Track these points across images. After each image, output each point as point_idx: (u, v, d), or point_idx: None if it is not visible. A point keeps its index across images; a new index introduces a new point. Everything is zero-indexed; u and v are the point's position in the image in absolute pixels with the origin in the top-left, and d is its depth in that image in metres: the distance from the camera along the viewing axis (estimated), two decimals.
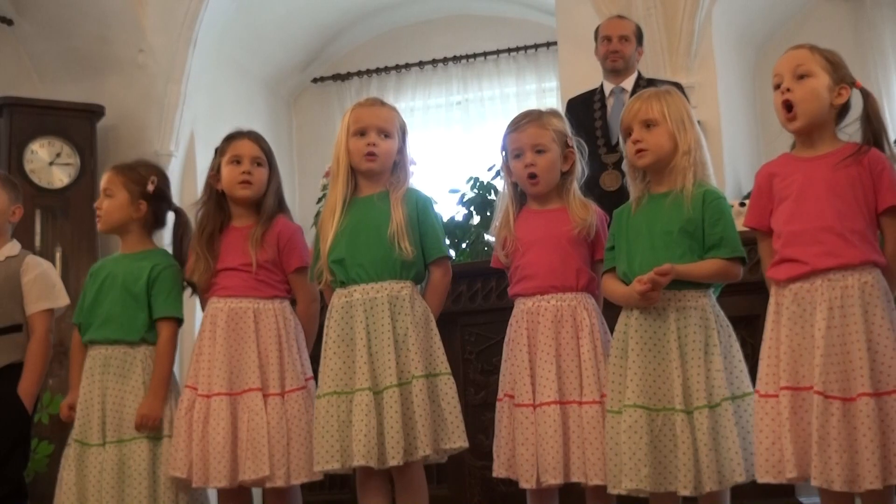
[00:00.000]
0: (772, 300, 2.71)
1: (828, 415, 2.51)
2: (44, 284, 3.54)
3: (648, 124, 2.87)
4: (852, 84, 2.73)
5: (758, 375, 2.69)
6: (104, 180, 3.38)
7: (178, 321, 3.34)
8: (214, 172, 3.31)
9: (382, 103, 3.19)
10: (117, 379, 3.22)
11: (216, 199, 3.30)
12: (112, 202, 3.35)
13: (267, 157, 3.29)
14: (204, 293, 3.28)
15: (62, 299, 3.56)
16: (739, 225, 2.93)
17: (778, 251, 2.70)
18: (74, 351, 3.38)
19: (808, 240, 2.63)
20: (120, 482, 3.14)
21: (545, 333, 2.92)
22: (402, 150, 3.15)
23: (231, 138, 3.31)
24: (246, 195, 3.24)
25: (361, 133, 3.08)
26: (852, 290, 2.57)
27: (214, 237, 3.25)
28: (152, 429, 3.18)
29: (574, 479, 2.85)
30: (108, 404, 3.21)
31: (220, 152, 3.31)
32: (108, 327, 3.27)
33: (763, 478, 2.61)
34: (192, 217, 3.36)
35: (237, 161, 3.24)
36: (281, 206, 3.31)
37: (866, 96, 2.73)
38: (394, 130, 3.11)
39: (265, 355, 3.14)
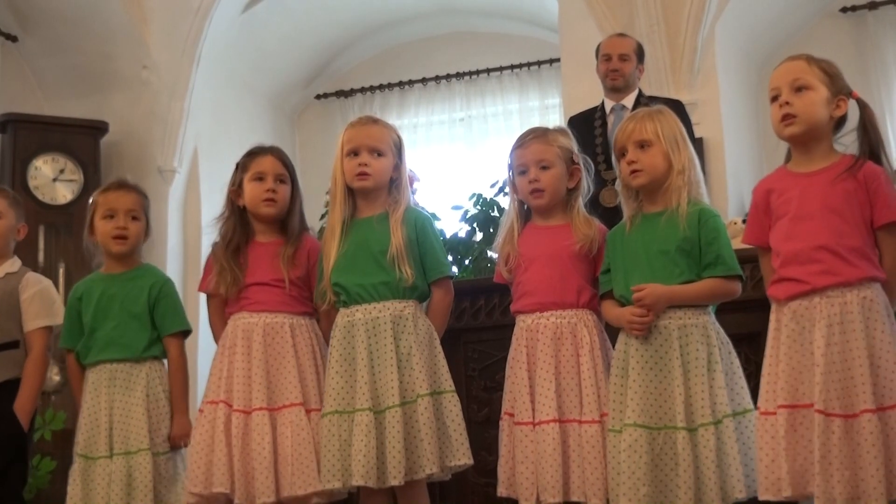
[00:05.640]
0: (772, 318, 2.69)
1: (829, 433, 2.49)
2: (42, 301, 3.51)
3: (643, 145, 2.85)
4: (849, 94, 2.70)
5: (759, 393, 2.68)
6: (127, 201, 3.34)
7: (186, 332, 3.35)
8: (236, 188, 3.27)
9: (375, 121, 3.17)
10: (124, 392, 3.22)
11: (239, 213, 3.27)
12: (139, 226, 3.36)
13: (289, 174, 3.26)
14: (227, 307, 3.22)
15: (60, 316, 3.51)
16: (741, 242, 2.92)
17: (777, 270, 2.69)
18: (75, 378, 3.36)
19: (805, 259, 2.61)
20: (128, 494, 3.13)
21: (544, 351, 2.91)
22: (398, 167, 3.13)
23: (253, 154, 3.27)
24: (270, 213, 3.22)
25: (354, 153, 3.08)
26: (852, 305, 2.55)
27: (240, 251, 3.22)
28: (185, 444, 3.19)
29: (574, 499, 2.84)
30: (116, 416, 3.20)
31: (241, 168, 3.27)
32: (111, 349, 3.26)
33: (763, 495, 2.60)
34: (216, 231, 3.31)
35: (260, 178, 3.21)
36: (303, 223, 3.28)
37: (863, 107, 2.70)
38: (386, 148, 3.10)
39: (303, 371, 3.11)
